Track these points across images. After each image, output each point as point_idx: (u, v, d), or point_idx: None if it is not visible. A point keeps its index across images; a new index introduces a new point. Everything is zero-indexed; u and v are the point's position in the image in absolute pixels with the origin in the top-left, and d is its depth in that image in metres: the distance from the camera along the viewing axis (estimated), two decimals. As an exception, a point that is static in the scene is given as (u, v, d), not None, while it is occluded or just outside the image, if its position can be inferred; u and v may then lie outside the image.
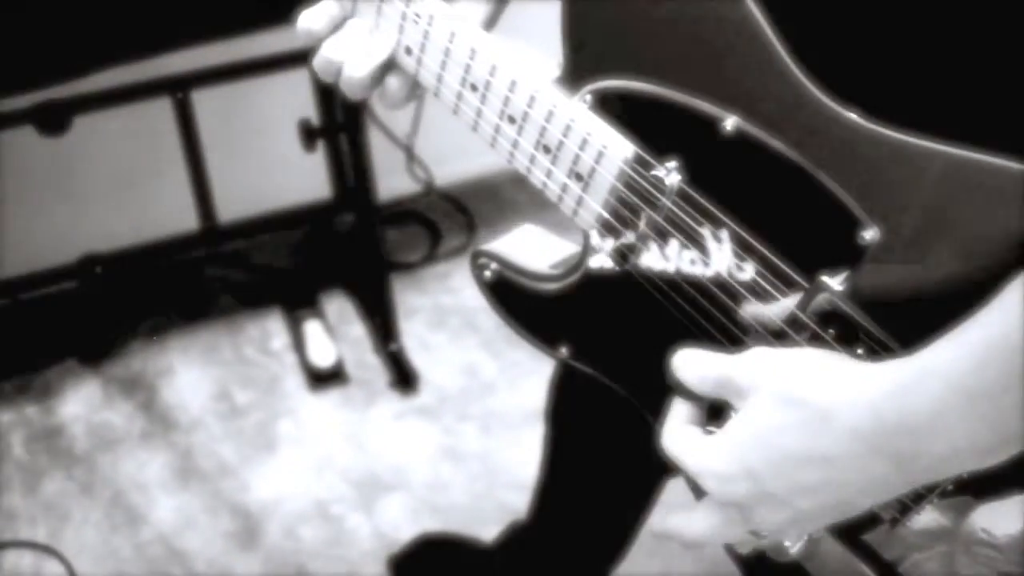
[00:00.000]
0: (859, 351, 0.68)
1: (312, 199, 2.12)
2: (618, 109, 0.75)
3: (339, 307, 2.23)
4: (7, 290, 1.93)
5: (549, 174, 0.79)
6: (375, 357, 2.13)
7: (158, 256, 1.97)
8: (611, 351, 0.85)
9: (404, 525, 1.82)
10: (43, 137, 1.76)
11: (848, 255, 0.67)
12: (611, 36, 0.73)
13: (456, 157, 2.42)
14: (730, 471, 0.66)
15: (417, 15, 0.81)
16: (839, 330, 0.68)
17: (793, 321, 0.70)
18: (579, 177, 0.77)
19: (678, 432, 0.72)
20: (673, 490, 1.40)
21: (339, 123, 1.98)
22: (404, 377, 2.07)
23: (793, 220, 0.69)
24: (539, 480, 1.50)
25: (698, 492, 0.72)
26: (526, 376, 2.11)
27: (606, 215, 0.77)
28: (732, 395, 0.68)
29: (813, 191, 0.67)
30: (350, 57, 0.84)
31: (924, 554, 0.71)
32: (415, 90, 0.88)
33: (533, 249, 0.89)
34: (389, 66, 0.85)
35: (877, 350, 0.67)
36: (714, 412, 0.74)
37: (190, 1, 1.56)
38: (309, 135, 1.97)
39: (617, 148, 0.74)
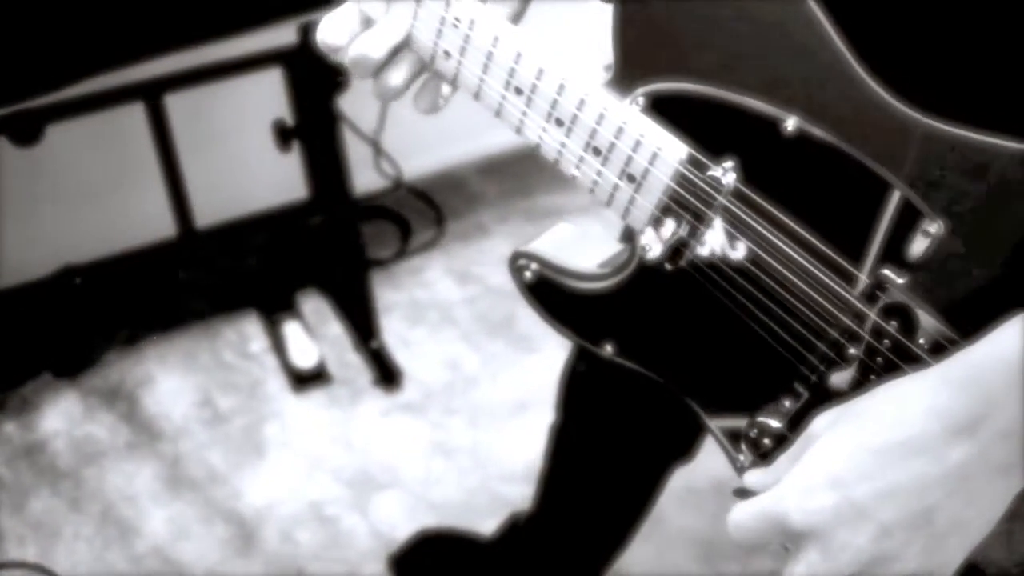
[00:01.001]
0: (920, 341, 0.70)
1: (286, 200, 2.10)
2: (670, 111, 0.76)
3: (315, 307, 2.21)
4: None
5: (599, 174, 0.80)
6: (356, 355, 2.12)
7: (137, 264, 1.93)
8: (658, 345, 0.86)
9: (400, 522, 1.82)
10: (16, 148, 1.72)
11: (907, 249, 0.69)
12: (664, 39, 0.74)
13: (422, 151, 2.42)
14: (809, 482, 0.65)
15: (457, 19, 0.81)
16: (901, 322, 0.70)
17: (856, 315, 0.72)
18: (631, 178, 0.78)
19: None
20: (679, 478, 1.43)
21: (313, 122, 1.96)
22: (388, 374, 2.06)
23: (851, 216, 0.71)
24: (544, 470, 1.51)
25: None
26: (507, 368, 2.13)
27: (659, 214, 0.78)
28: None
29: (874, 187, 0.69)
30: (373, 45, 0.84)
31: (985, 532, 0.74)
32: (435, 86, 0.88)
33: (573, 248, 0.90)
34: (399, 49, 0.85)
35: (941, 342, 0.69)
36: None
37: (168, 8, 1.53)
38: (284, 136, 1.96)
39: (672, 149, 0.75)
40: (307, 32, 1.86)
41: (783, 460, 0.70)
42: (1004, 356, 0.61)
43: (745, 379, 0.81)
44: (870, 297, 0.71)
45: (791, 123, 0.70)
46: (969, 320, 0.67)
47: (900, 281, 0.70)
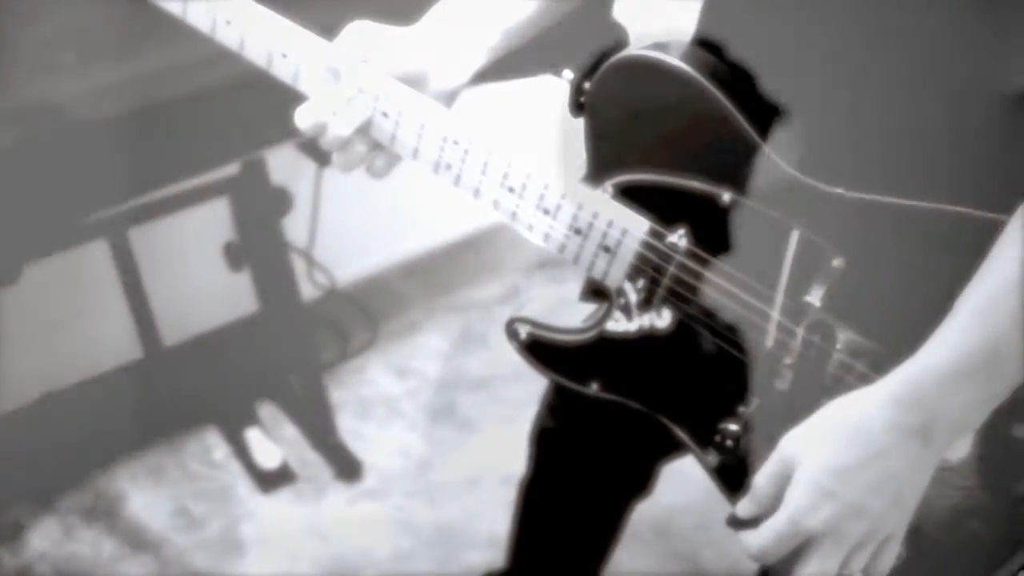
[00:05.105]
0: (837, 346, 0.95)
1: (239, 314, 2.28)
2: (634, 195, 1.00)
3: (269, 411, 2.37)
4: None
5: (581, 248, 1.03)
6: (315, 453, 2.28)
7: (108, 387, 2.07)
8: (634, 377, 1.08)
9: (381, 599, 1.98)
10: (-6, 289, 1.86)
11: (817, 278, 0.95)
12: (623, 142, 0.99)
13: (349, 259, 2.62)
14: (812, 500, 0.87)
15: (456, 140, 1.04)
16: (822, 334, 0.95)
17: (786, 331, 0.96)
18: (607, 249, 1.02)
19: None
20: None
21: (260, 242, 2.16)
22: (347, 466, 2.23)
23: (771, 257, 0.96)
24: (516, 524, 1.69)
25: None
26: (454, 448, 2.32)
27: (630, 274, 1.02)
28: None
29: (792, 237, 0.95)
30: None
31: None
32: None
33: (557, 310, 1.12)
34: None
35: (859, 350, 0.93)
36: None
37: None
38: (235, 256, 2.14)
39: (637, 225, 1.00)
40: (247, 165, 2.08)
41: (762, 481, 0.92)
42: (933, 369, 0.85)
43: (707, 394, 1.04)
44: (795, 318, 0.96)
45: (726, 196, 0.96)
46: (872, 326, 0.93)
47: (818, 304, 0.95)
